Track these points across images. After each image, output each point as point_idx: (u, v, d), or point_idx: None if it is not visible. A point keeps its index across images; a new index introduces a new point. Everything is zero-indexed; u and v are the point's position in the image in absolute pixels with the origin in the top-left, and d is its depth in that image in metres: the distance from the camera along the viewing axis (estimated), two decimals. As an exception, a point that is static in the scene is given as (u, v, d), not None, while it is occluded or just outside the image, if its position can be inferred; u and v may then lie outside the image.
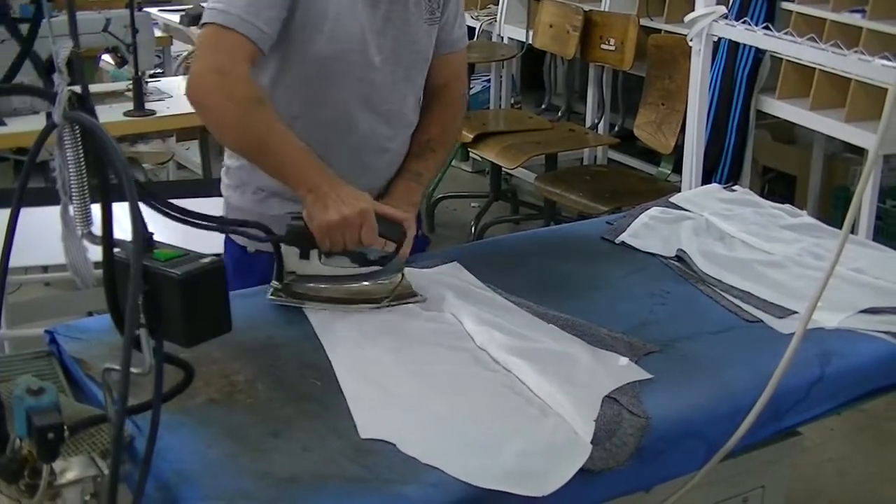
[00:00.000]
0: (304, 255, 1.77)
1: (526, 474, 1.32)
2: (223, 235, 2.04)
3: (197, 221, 1.53)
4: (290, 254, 1.77)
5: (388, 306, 1.77)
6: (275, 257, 1.77)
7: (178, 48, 5.37)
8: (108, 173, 1.18)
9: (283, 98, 1.90)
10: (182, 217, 1.47)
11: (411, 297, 1.80)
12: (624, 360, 1.60)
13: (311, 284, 1.79)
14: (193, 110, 1.81)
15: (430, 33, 2.00)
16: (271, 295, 1.78)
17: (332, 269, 1.79)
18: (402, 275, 1.80)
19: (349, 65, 1.90)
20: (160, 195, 1.39)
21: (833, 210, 4.31)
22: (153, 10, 5.21)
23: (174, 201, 1.45)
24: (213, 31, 1.78)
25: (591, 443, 1.39)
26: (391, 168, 2.04)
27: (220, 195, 2.09)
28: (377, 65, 1.93)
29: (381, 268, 1.81)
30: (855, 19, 3.73)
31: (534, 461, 1.34)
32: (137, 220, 1.13)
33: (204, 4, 1.86)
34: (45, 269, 3.48)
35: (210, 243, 1.60)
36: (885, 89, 3.06)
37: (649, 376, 1.56)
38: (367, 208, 1.75)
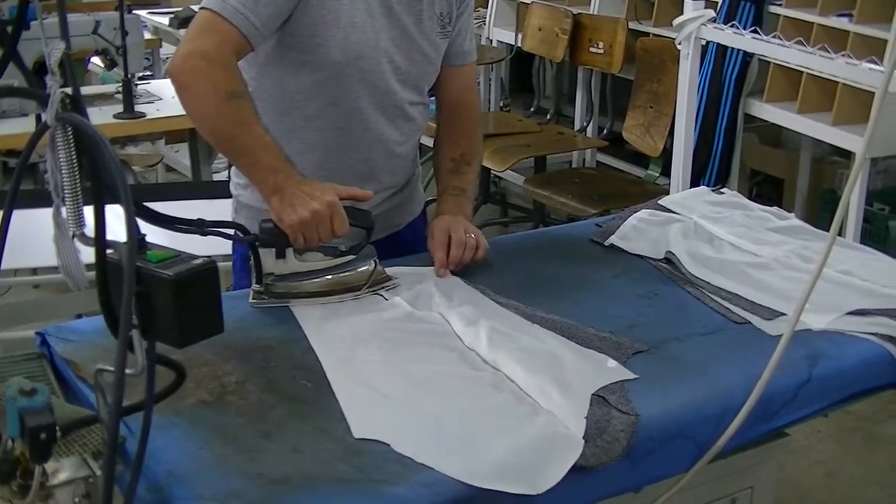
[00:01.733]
0: (281, 255, 1.79)
1: (520, 472, 1.32)
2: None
3: (175, 225, 1.52)
4: (266, 255, 1.79)
5: (367, 293, 1.83)
6: (252, 260, 1.79)
7: (168, 51, 5.37)
8: (100, 175, 1.18)
9: (301, 99, 1.95)
10: (159, 220, 1.45)
11: (387, 281, 1.86)
12: (612, 363, 1.60)
13: (291, 282, 1.81)
14: (179, 102, 1.82)
15: (441, 47, 2.06)
16: (253, 299, 1.79)
17: (308, 265, 1.82)
18: (375, 261, 1.85)
19: (363, 72, 1.94)
20: (136, 199, 1.38)
21: (820, 213, 4.32)
22: (142, 13, 5.21)
23: (161, 204, 1.44)
24: (208, 16, 1.80)
25: (583, 439, 1.39)
26: (402, 171, 2.11)
27: (210, 197, 2.10)
28: (390, 73, 1.97)
29: (354, 257, 1.84)
30: (842, 23, 3.75)
31: (527, 459, 1.35)
32: (131, 222, 1.13)
33: (193, 7, 1.86)
34: (35, 271, 3.48)
35: (210, 246, 1.60)
36: (872, 93, 3.09)
37: (635, 377, 1.57)
38: (334, 200, 1.76)
